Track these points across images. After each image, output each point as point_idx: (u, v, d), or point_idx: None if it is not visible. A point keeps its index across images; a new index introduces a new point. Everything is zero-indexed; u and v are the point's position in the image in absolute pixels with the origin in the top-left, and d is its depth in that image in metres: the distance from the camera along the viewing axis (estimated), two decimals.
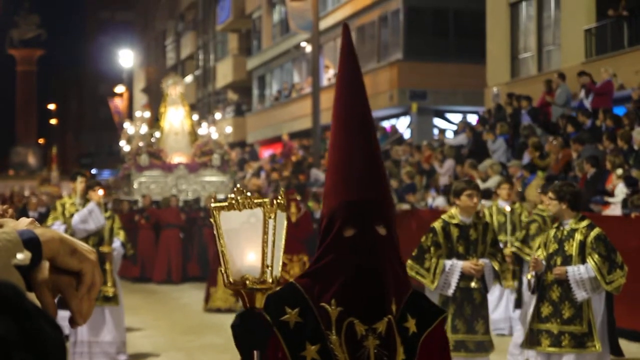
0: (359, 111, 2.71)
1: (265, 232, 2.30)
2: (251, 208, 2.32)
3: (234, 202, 2.33)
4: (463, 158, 17.93)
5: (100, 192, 9.90)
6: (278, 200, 2.34)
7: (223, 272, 2.33)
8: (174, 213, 19.43)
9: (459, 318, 7.22)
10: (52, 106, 72.13)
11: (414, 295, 2.71)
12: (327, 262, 2.60)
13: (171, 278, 18.63)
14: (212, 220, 2.35)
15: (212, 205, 2.36)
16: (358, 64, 2.78)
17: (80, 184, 10.43)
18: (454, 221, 7.30)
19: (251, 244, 2.32)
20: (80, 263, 1.49)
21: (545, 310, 6.93)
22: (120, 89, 56.77)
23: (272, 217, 2.31)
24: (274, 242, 2.31)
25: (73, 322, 1.50)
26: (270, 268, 2.31)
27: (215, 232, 2.34)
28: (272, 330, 2.53)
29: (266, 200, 2.34)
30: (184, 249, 19.27)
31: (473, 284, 7.25)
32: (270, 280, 2.32)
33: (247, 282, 2.30)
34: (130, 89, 58.07)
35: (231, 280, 2.32)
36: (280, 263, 2.35)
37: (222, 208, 2.33)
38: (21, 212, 20.11)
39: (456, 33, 27.75)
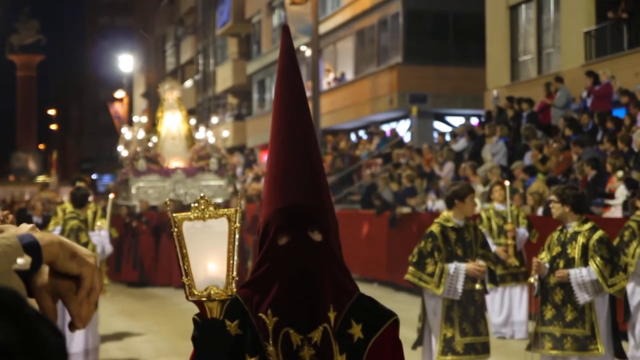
0: (297, 116, 2.62)
1: (230, 243, 2.27)
2: (216, 218, 2.28)
3: (198, 211, 2.28)
4: (464, 161, 17.91)
5: (111, 195, 9.71)
6: (239, 210, 2.29)
7: (186, 283, 2.28)
8: None
9: (466, 321, 7.22)
10: (52, 111, 72.21)
11: (360, 300, 2.60)
12: (263, 271, 2.54)
13: (172, 283, 18.60)
14: (174, 230, 2.28)
15: (175, 215, 2.28)
16: (297, 66, 2.69)
17: None
18: (450, 224, 7.31)
19: (215, 255, 2.27)
20: (80, 267, 1.48)
21: (548, 313, 6.90)
22: (120, 94, 56.81)
23: (237, 227, 2.27)
24: (238, 252, 2.28)
25: (72, 327, 1.50)
26: (235, 279, 2.27)
27: (176, 242, 2.27)
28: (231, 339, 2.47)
29: (231, 210, 2.29)
30: None
31: (477, 286, 7.25)
32: (235, 291, 2.28)
33: (212, 293, 2.26)
34: (130, 94, 58.06)
35: (195, 292, 2.27)
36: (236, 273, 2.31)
37: (186, 218, 2.28)
38: (23, 217, 20.07)
39: (456, 36, 27.74)
